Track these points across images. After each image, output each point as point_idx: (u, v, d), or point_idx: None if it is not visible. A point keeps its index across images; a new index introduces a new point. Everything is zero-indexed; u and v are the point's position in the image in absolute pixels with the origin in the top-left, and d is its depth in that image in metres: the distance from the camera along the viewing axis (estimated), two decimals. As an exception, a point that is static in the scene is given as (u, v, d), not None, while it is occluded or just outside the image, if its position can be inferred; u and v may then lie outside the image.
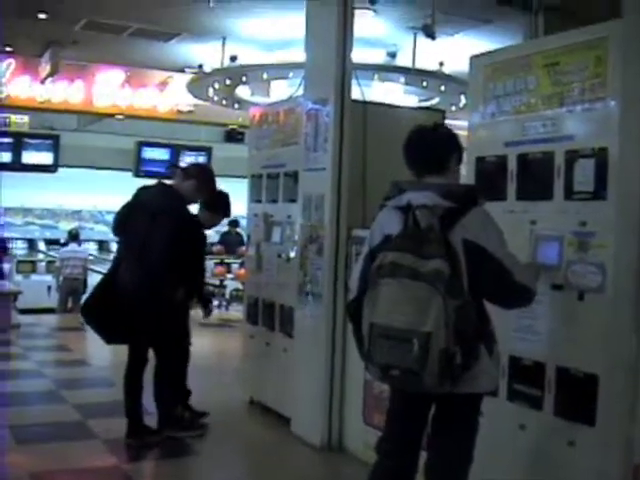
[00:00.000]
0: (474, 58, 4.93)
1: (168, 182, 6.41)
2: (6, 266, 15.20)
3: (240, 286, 13.71)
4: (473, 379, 3.63)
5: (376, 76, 10.83)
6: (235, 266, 16.01)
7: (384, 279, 3.57)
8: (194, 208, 6.63)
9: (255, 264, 7.53)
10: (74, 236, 15.49)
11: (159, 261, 5.87)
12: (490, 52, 4.91)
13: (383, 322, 3.54)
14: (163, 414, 6.41)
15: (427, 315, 3.42)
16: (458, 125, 11.81)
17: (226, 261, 15.74)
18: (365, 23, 9.90)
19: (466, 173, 4.89)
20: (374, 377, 3.84)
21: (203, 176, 6.45)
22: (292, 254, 6.79)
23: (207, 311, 7.34)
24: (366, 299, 3.66)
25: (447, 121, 7.67)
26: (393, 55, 12.17)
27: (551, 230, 4.28)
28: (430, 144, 4.13)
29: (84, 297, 14.09)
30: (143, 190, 6.32)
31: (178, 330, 6.53)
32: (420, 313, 3.43)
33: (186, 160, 19.03)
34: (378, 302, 3.58)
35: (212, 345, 11.20)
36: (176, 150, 19.67)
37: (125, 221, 6.23)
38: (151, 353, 6.30)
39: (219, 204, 6.86)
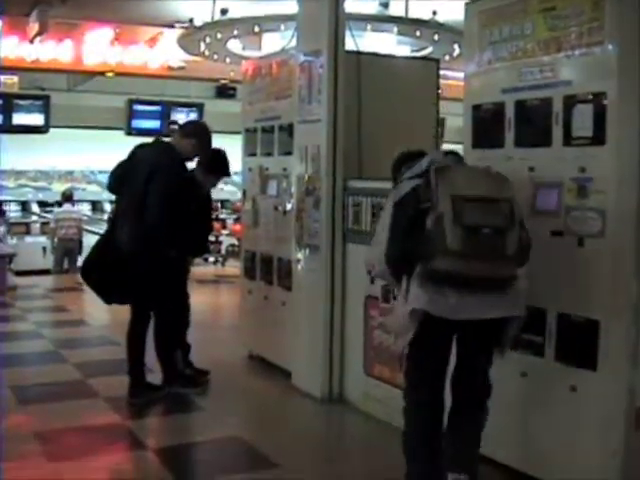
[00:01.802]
0: (469, 4, 4.89)
1: (166, 139, 6.37)
2: (0, 229, 15.14)
3: (236, 242, 13.72)
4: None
5: (369, 26, 10.72)
6: (230, 222, 16.02)
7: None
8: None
9: (251, 218, 7.52)
10: (68, 197, 15.44)
11: (155, 217, 5.84)
12: (485, -3, 4.85)
13: (465, 192, 3.70)
14: (166, 370, 6.43)
15: (504, 187, 3.82)
16: (451, 75, 11.77)
17: (221, 217, 15.75)
18: (356, -28, 9.78)
19: (463, 121, 4.87)
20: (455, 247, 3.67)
21: (202, 134, 6.42)
22: (288, 207, 6.77)
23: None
24: (439, 182, 3.75)
25: (441, 71, 7.64)
26: (386, 5, 12.04)
27: (550, 177, 4.28)
28: None
29: (80, 257, 14.18)
30: (140, 148, 6.28)
31: (177, 287, 6.51)
32: (498, 185, 3.83)
33: (177, 117, 18.93)
34: (454, 179, 3.77)
35: (209, 301, 11.21)
36: (167, 107, 19.54)
37: (122, 179, 6.20)
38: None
39: (218, 164, 6.80)
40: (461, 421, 4.08)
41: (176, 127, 6.63)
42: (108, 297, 6.25)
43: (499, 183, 3.88)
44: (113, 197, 6.86)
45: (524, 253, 3.78)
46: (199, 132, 6.43)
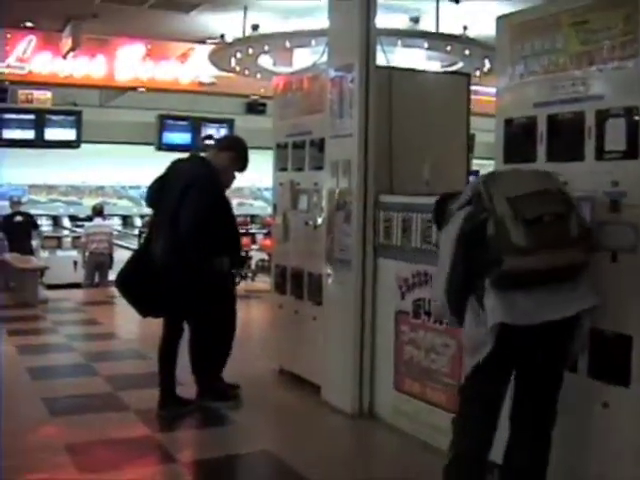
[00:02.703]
0: (500, 18, 4.88)
1: (202, 154, 6.41)
2: (34, 243, 15.28)
3: (265, 257, 13.74)
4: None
5: (400, 42, 10.74)
6: (260, 237, 16.07)
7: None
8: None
9: (282, 233, 7.52)
10: (98, 211, 15.56)
11: (189, 230, 5.87)
12: (517, 12, 4.85)
13: (518, 192, 3.71)
14: (201, 384, 6.45)
15: (552, 179, 3.87)
16: (481, 91, 11.77)
17: (251, 232, 15.80)
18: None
19: (495, 135, 4.86)
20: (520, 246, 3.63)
21: (238, 147, 6.49)
22: (319, 221, 6.77)
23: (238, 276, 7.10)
24: (491, 191, 3.76)
25: (472, 87, 7.62)
26: (416, 20, 12.08)
27: (582, 191, 4.24)
28: None
29: (111, 271, 14.27)
30: (177, 162, 6.35)
31: (218, 300, 6.46)
32: (545, 179, 3.86)
33: (208, 132, 19.02)
34: (504, 184, 3.80)
35: (239, 316, 11.16)
36: (197, 122, 19.66)
37: (158, 193, 6.24)
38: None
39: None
40: (525, 456, 4.01)
41: (211, 142, 6.64)
42: (144, 309, 6.27)
43: (545, 177, 3.91)
44: (144, 212, 6.90)
45: (587, 236, 3.77)
46: (235, 145, 6.49)
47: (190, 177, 6.04)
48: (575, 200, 3.81)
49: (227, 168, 6.36)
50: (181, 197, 5.95)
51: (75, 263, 16.46)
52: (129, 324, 9.47)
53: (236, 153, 6.39)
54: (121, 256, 13.69)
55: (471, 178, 7.52)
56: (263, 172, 7.46)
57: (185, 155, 6.56)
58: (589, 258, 3.75)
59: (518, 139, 4.68)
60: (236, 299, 6.84)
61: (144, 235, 6.58)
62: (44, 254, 16.67)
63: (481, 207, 3.75)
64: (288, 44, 11.54)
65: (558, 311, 3.71)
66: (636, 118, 3.98)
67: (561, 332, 3.81)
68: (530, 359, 3.92)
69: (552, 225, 3.63)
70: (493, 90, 5.03)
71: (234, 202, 7.23)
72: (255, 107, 19.41)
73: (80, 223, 18.18)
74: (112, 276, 13.93)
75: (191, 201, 5.93)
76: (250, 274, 14.97)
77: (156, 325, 6.33)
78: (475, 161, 16.24)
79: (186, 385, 6.46)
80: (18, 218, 15.34)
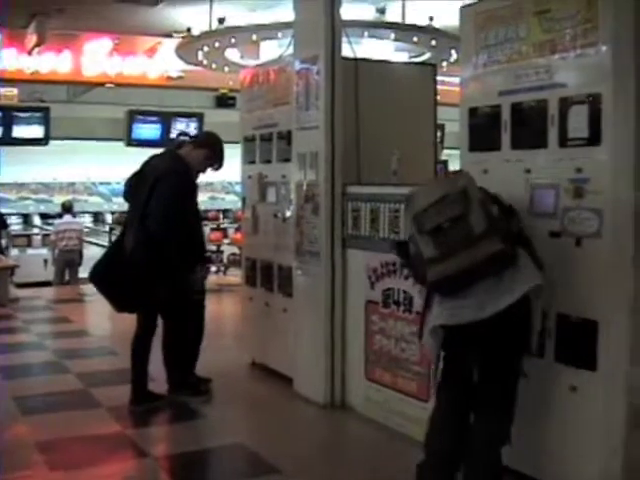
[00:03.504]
0: (464, 8, 4.90)
1: (177, 151, 6.39)
2: (3, 241, 15.18)
3: (237, 250, 13.73)
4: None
5: (366, 33, 10.74)
6: (231, 231, 16.06)
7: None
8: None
9: (251, 226, 7.53)
10: (68, 208, 15.49)
11: (157, 224, 5.87)
12: (481, 1, 4.85)
13: (422, 206, 3.83)
14: (172, 379, 6.45)
15: (456, 181, 3.88)
16: (450, 81, 11.81)
17: (222, 226, 15.79)
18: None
19: (459, 125, 4.89)
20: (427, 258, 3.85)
21: (214, 144, 6.46)
22: (288, 214, 6.78)
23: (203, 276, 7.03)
24: (406, 213, 4.07)
25: (441, 77, 7.65)
26: (382, 11, 12.07)
27: (547, 178, 4.29)
28: None
29: (81, 268, 14.21)
30: (152, 158, 6.34)
31: (189, 297, 6.46)
32: (449, 183, 3.90)
33: (177, 127, 18.97)
34: (415, 201, 3.91)
35: (211, 310, 11.05)
36: (167, 117, 19.58)
37: (134, 188, 6.23)
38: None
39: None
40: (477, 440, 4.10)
41: (186, 138, 6.59)
42: (119, 304, 6.24)
43: (451, 181, 3.98)
44: (114, 208, 6.88)
45: (500, 222, 3.84)
46: (211, 143, 6.46)
47: (160, 172, 6.04)
48: (479, 196, 3.82)
49: (201, 165, 6.36)
50: (150, 192, 5.95)
51: (45, 261, 16.37)
52: (100, 321, 9.45)
53: (211, 151, 6.38)
54: (91, 253, 13.68)
55: (439, 167, 7.56)
56: (234, 166, 7.44)
57: (160, 150, 6.53)
58: (508, 245, 3.80)
59: (483, 128, 4.70)
60: (205, 294, 6.81)
61: (115, 231, 6.55)
62: (14, 252, 16.58)
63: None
64: (255, 37, 11.50)
65: (484, 309, 3.82)
66: (598, 105, 4.01)
67: (502, 323, 3.87)
68: (474, 355, 4.06)
69: (451, 230, 3.74)
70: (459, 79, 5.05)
71: (206, 196, 7.23)
72: (224, 101, 19.35)
73: (51, 221, 18.09)
74: (82, 273, 13.93)
75: (159, 195, 5.93)
76: (222, 268, 14.97)
77: (127, 322, 6.32)
78: (446, 151, 16.34)
79: (158, 380, 6.45)
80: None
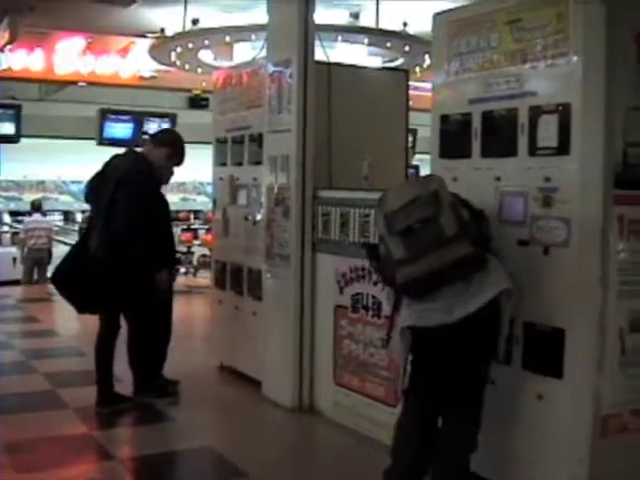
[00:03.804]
0: (437, 15, 4.92)
1: (138, 149, 6.38)
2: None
3: (207, 252, 13.71)
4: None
5: (339, 37, 10.77)
6: (202, 232, 16.02)
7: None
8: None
9: (222, 228, 7.52)
10: (37, 207, 15.43)
11: (121, 224, 5.87)
12: (453, 9, 4.87)
13: (393, 206, 3.85)
14: (138, 380, 6.43)
15: (428, 184, 3.90)
16: (423, 87, 11.85)
17: (193, 227, 15.76)
18: (327, -17, 9.84)
19: (431, 132, 4.91)
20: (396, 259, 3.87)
21: (175, 142, 6.46)
22: (258, 217, 6.77)
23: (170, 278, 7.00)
24: (376, 212, 4.08)
25: (414, 83, 7.68)
26: (356, 16, 12.10)
27: (516, 186, 4.31)
28: None
29: (50, 268, 14.12)
30: (113, 158, 6.32)
31: (155, 298, 6.44)
32: (421, 186, 3.92)
33: (150, 127, 18.89)
34: (386, 201, 3.92)
35: (180, 312, 11.05)
36: (139, 117, 19.49)
37: (95, 189, 6.22)
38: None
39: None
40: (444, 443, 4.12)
41: (148, 137, 6.60)
42: (80, 305, 6.22)
43: (423, 183, 4.02)
44: (85, 207, 6.84)
45: (471, 226, 3.86)
46: (171, 141, 6.46)
47: (123, 172, 6.03)
48: (450, 199, 3.85)
49: (163, 164, 6.34)
50: (113, 192, 5.95)
51: (14, 259, 16.27)
52: (68, 321, 9.40)
53: (172, 149, 6.38)
54: (61, 251, 13.57)
55: (410, 172, 7.59)
56: (206, 167, 7.43)
57: (123, 150, 6.51)
58: (478, 249, 3.83)
59: (453, 135, 4.72)
60: (173, 295, 6.79)
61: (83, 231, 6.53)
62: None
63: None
64: (228, 39, 11.51)
65: (452, 312, 3.86)
66: (568, 115, 4.03)
67: (471, 327, 3.90)
68: (443, 359, 4.05)
69: (421, 231, 3.76)
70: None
71: (177, 197, 7.22)
72: (197, 102, 19.29)
73: (21, 218, 17.98)
74: (50, 272, 13.83)
75: (123, 196, 5.92)
76: (192, 269, 14.94)
77: (95, 322, 6.28)
78: (418, 156, 16.40)
79: (124, 382, 6.43)
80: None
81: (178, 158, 6.45)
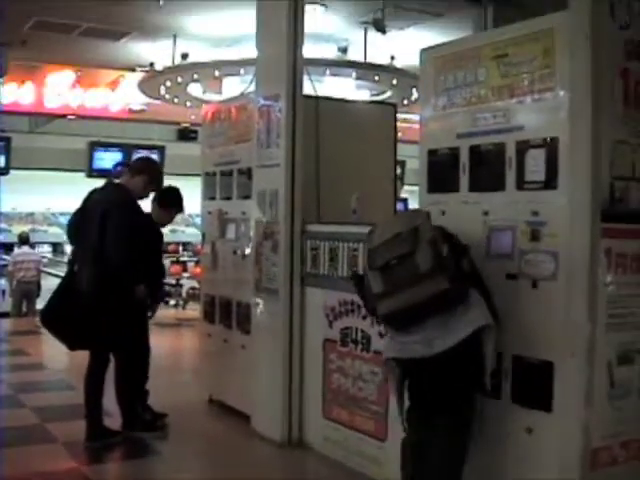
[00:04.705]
0: (424, 50, 4.95)
1: (117, 181, 6.40)
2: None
3: (196, 284, 13.69)
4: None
5: (328, 71, 10.84)
6: (191, 264, 15.99)
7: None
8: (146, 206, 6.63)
9: (210, 262, 7.51)
10: (24, 239, 15.40)
11: (116, 255, 5.88)
12: (440, 44, 4.91)
13: (376, 242, 3.96)
14: (126, 415, 6.40)
15: (411, 219, 4.01)
16: (411, 119, 11.94)
17: (182, 259, 15.73)
18: (316, 18, 9.92)
19: (419, 166, 4.92)
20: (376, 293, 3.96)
21: (151, 169, 6.52)
22: (247, 251, 6.78)
23: (153, 310, 6.93)
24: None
25: (399, 115, 7.72)
26: (344, 50, 12.19)
27: (504, 220, 4.32)
28: None
29: (39, 300, 14.07)
30: (92, 193, 6.33)
31: (138, 330, 6.49)
32: (404, 222, 4.03)
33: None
34: (372, 237, 4.03)
35: (169, 344, 11.15)
36: (128, 150, 19.55)
37: (78, 226, 6.22)
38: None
39: (171, 200, 6.88)
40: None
41: (125, 168, 6.64)
42: (72, 343, 6.20)
43: (407, 218, 4.14)
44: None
45: (449, 262, 3.88)
46: (148, 168, 6.49)
47: (107, 204, 6.06)
48: (430, 235, 3.90)
49: (142, 192, 6.38)
50: (101, 225, 5.97)
51: (3, 292, 16.22)
52: (57, 354, 9.32)
53: (148, 176, 6.41)
54: (50, 284, 13.52)
55: (399, 206, 7.60)
56: (195, 198, 7.45)
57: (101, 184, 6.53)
58: (456, 284, 3.86)
59: (441, 169, 4.74)
60: (148, 330, 6.80)
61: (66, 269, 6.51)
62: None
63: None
64: (217, 73, 11.58)
65: (432, 345, 3.92)
66: (555, 149, 4.06)
67: (452, 361, 3.95)
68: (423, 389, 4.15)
69: (398, 267, 3.84)
70: (419, 118, 5.11)
71: (166, 229, 7.21)
72: (186, 134, 19.40)
73: (10, 251, 17.93)
74: (39, 305, 13.79)
75: (112, 226, 5.94)
76: (181, 302, 14.91)
77: (84, 355, 6.25)
78: (407, 187, 16.44)
79: (113, 416, 6.40)
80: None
81: (155, 184, 6.51)
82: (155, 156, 19.11)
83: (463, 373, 4.02)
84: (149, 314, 6.73)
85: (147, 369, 6.71)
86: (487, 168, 4.45)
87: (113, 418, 6.38)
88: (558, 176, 4.05)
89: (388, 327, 4.16)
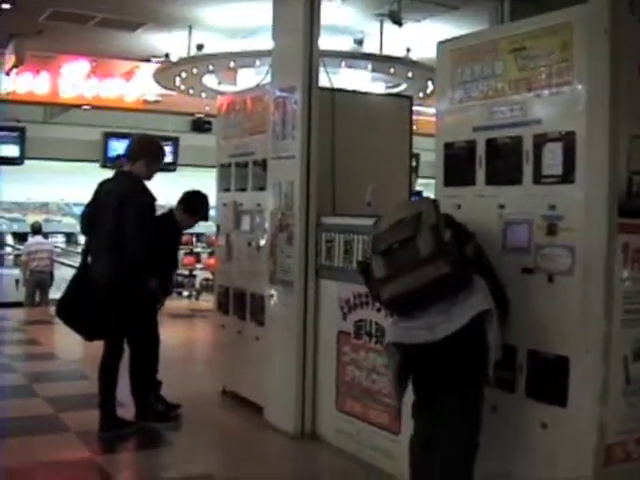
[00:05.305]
0: (441, 43, 4.93)
1: (125, 169, 6.38)
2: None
3: (210, 275, 13.70)
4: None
5: (343, 63, 10.82)
6: (204, 256, 16.01)
7: None
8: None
9: (225, 253, 7.51)
10: (37, 229, 15.45)
11: (134, 244, 5.89)
12: (457, 37, 4.90)
13: (382, 228, 3.98)
14: (140, 405, 6.42)
15: (416, 206, 4.01)
16: (425, 111, 11.92)
17: (195, 250, 15.74)
18: (332, 10, 9.89)
19: (435, 159, 4.91)
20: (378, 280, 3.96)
21: (146, 151, 6.40)
22: (262, 242, 6.78)
23: (161, 302, 7.01)
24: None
25: (416, 107, 7.70)
26: (360, 42, 12.16)
27: (520, 214, 4.31)
28: None
29: (52, 290, 14.12)
30: (103, 184, 6.32)
31: (149, 320, 6.52)
32: (409, 208, 4.04)
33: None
34: (380, 223, 4.05)
35: (183, 335, 11.17)
36: (143, 140, 19.53)
37: (91, 217, 6.23)
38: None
39: (197, 207, 6.89)
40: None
41: (124, 159, 6.58)
42: (89, 334, 6.21)
43: (412, 205, 4.23)
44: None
45: (451, 247, 3.86)
46: (143, 151, 6.39)
47: (120, 194, 6.06)
48: (433, 221, 3.87)
49: (147, 174, 6.32)
50: (115, 214, 5.97)
51: (17, 281, 16.27)
52: (70, 344, 9.35)
53: (146, 159, 6.31)
54: (63, 274, 13.60)
55: (413, 199, 7.58)
56: (208, 189, 7.44)
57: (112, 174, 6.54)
58: (457, 269, 3.82)
59: (457, 163, 4.72)
60: (157, 321, 6.79)
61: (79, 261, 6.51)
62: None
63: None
64: (232, 64, 11.57)
65: (435, 331, 3.89)
66: (573, 143, 4.04)
67: (456, 347, 3.92)
68: (427, 377, 4.11)
69: (400, 251, 3.84)
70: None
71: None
72: (200, 125, 19.40)
73: (24, 240, 18.00)
74: (52, 294, 13.86)
75: (129, 216, 5.95)
76: (194, 293, 14.92)
77: (97, 345, 6.26)
78: (420, 180, 16.43)
79: (127, 406, 6.41)
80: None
81: (157, 163, 6.43)
82: (169, 147, 19.16)
83: (467, 359, 3.98)
84: (158, 306, 6.75)
85: (157, 360, 6.71)
86: (503, 162, 4.43)
87: (126, 408, 6.39)
88: (575, 170, 4.03)
89: (391, 312, 4.19)
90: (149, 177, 6.36)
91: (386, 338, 4.16)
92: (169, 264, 6.86)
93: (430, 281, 3.78)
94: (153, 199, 6.27)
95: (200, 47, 12.80)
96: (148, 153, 6.39)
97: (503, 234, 4.38)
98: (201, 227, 19.41)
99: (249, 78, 11.30)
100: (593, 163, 3.99)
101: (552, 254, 4.13)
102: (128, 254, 5.92)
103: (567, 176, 4.07)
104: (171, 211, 6.88)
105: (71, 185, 19.08)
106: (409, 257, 3.81)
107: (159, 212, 6.58)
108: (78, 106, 16.51)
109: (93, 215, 6.22)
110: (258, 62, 10.67)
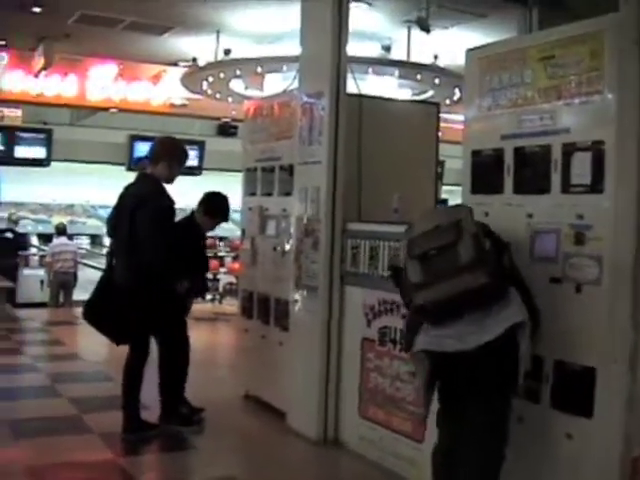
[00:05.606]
0: (470, 51, 4.92)
1: (147, 171, 6.38)
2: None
3: (233, 280, 13.73)
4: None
5: (371, 70, 10.82)
6: (228, 259, 16.05)
7: None
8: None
9: (250, 258, 7.52)
10: (61, 230, 15.55)
11: (151, 248, 5.89)
12: (486, 45, 4.89)
13: (417, 233, 3.93)
14: (166, 407, 6.44)
15: (453, 214, 3.97)
16: (450, 118, 11.89)
17: (219, 254, 15.78)
18: (360, 16, 9.90)
19: (462, 166, 4.90)
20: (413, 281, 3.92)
21: (167, 153, 6.35)
22: (287, 247, 6.78)
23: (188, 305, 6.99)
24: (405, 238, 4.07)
25: (441, 114, 7.69)
26: (388, 48, 12.17)
27: (548, 223, 4.29)
28: None
29: (76, 291, 14.20)
30: (127, 188, 6.33)
31: (177, 323, 6.52)
32: (445, 215, 4.00)
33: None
34: (414, 228, 4.00)
35: (206, 339, 11.18)
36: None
37: (115, 221, 6.25)
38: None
39: (218, 210, 6.89)
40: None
41: (145, 160, 6.56)
42: (117, 338, 6.21)
43: (448, 212, 4.17)
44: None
45: (490, 256, 3.85)
46: (164, 152, 6.35)
47: (137, 196, 6.07)
48: (473, 229, 3.84)
49: (169, 175, 6.28)
50: (131, 219, 5.97)
51: (42, 282, 16.37)
52: (94, 345, 9.38)
53: (168, 160, 6.27)
54: (88, 275, 13.68)
55: (439, 206, 7.56)
56: (233, 193, 7.44)
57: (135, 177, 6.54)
58: (495, 280, 3.79)
59: (485, 171, 4.71)
60: (186, 324, 6.80)
61: (105, 263, 6.54)
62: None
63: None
64: (260, 69, 11.59)
65: (466, 341, 3.85)
66: (602, 152, 4.02)
67: (487, 358, 3.89)
68: (461, 388, 4.07)
69: (437, 257, 3.80)
70: (462, 118, 5.07)
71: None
72: (226, 129, 19.43)
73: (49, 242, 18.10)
74: (76, 295, 13.94)
75: (144, 219, 5.94)
76: (218, 296, 14.96)
77: (121, 347, 6.28)
78: (445, 187, 16.38)
79: (151, 409, 6.43)
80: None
81: (178, 164, 6.38)
82: (195, 151, 19.19)
83: (498, 369, 3.96)
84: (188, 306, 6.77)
85: (187, 363, 6.70)
86: (532, 170, 4.41)
87: (150, 411, 6.41)
88: (604, 180, 4.01)
89: (423, 319, 4.06)
90: (171, 179, 6.33)
91: (415, 346, 4.08)
92: (199, 266, 6.86)
93: (467, 290, 3.76)
94: (171, 202, 6.21)
95: (227, 52, 12.85)
96: (170, 155, 6.35)
97: (531, 243, 4.37)
98: (225, 231, 19.51)
99: (276, 83, 11.31)
100: (622, 173, 3.97)
101: (580, 264, 4.11)
102: (145, 257, 5.92)
103: (596, 185, 4.05)
104: (192, 214, 6.89)
105: (96, 187, 19.15)
106: (448, 264, 3.77)
107: (180, 216, 6.58)
108: (105, 109, 16.60)
109: (116, 218, 6.24)
110: (285, 67, 10.69)
